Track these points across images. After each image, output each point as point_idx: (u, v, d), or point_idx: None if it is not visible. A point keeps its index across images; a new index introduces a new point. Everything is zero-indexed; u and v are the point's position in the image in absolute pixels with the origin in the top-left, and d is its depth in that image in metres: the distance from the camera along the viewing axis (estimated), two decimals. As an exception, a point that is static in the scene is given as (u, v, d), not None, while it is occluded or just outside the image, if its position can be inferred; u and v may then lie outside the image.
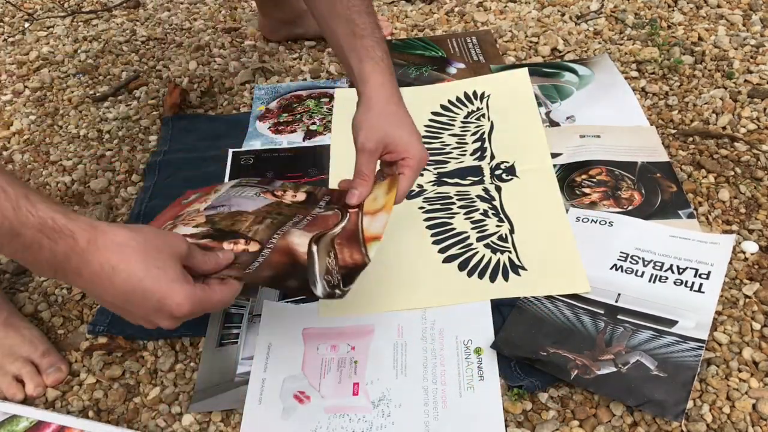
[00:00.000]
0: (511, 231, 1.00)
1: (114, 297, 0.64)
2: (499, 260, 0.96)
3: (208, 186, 0.92)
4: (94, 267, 0.62)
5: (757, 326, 0.87)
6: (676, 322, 0.86)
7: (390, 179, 0.83)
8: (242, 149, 1.19)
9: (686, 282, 0.90)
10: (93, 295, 0.66)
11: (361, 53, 0.83)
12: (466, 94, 1.26)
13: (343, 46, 0.84)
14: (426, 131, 1.19)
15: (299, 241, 0.76)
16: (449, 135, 1.18)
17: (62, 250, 0.61)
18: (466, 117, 1.21)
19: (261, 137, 1.21)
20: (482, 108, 1.22)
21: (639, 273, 0.92)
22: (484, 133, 1.17)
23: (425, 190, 1.08)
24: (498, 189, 1.07)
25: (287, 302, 0.93)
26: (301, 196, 0.85)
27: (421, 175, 1.09)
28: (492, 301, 0.91)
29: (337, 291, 0.72)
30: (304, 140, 1.20)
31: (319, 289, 0.71)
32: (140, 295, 0.63)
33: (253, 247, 0.75)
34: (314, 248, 0.75)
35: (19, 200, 0.60)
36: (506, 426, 0.79)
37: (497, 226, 1.01)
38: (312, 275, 0.72)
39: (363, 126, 0.81)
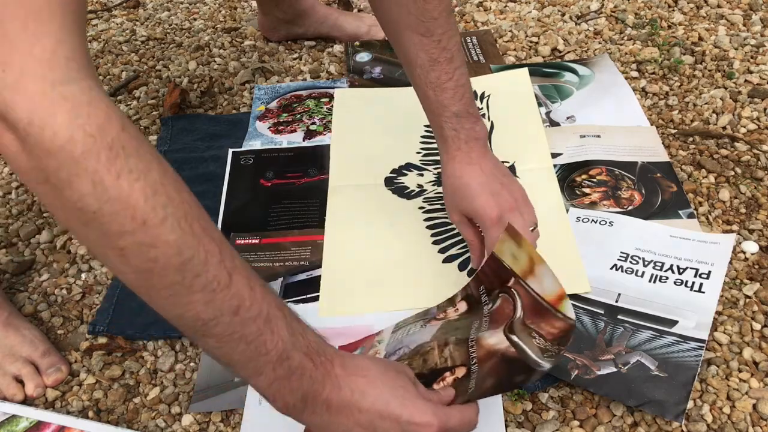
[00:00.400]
0: (512, 231, 1.00)
1: (360, 427, 0.60)
2: (499, 260, 0.95)
3: (363, 338, 0.89)
4: (345, 394, 0.60)
5: (757, 326, 0.87)
6: (677, 322, 0.86)
7: (505, 231, 0.81)
8: (242, 149, 1.18)
9: (686, 282, 0.90)
10: None
11: (435, 130, 0.89)
12: (466, 94, 1.26)
13: (426, 116, 0.89)
14: (426, 131, 1.19)
15: (495, 340, 0.75)
16: (449, 135, 1.18)
17: (320, 376, 0.59)
18: (466, 117, 1.21)
19: (261, 137, 1.21)
20: (482, 108, 1.22)
21: (639, 273, 0.92)
22: (484, 133, 1.17)
23: (425, 190, 1.08)
24: (498, 189, 1.07)
25: (287, 302, 0.93)
26: (462, 306, 0.85)
27: (421, 175, 1.10)
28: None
29: (561, 354, 0.73)
30: (304, 140, 1.20)
31: (546, 365, 0.71)
32: (388, 421, 0.60)
33: (460, 372, 0.74)
34: (514, 337, 0.74)
35: (292, 323, 0.59)
36: (506, 426, 0.79)
37: (497, 226, 1.01)
38: (532, 361, 0.72)
39: (446, 205, 0.91)
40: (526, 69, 1.28)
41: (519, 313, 0.77)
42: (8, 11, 0.45)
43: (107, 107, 0.49)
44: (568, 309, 0.75)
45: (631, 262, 0.94)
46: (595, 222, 1.00)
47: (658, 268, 0.93)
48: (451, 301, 0.86)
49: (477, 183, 0.85)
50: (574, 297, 0.90)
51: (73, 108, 0.47)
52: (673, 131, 1.15)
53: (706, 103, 1.20)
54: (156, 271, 0.51)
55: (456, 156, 0.86)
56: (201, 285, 0.52)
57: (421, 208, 1.05)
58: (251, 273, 0.56)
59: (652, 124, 1.16)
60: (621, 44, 1.36)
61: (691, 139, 1.14)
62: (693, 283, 0.90)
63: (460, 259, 0.97)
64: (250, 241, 1.01)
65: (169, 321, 0.55)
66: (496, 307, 0.80)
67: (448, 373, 0.74)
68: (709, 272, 0.91)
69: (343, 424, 0.60)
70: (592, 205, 1.03)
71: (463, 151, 0.86)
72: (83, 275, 1.01)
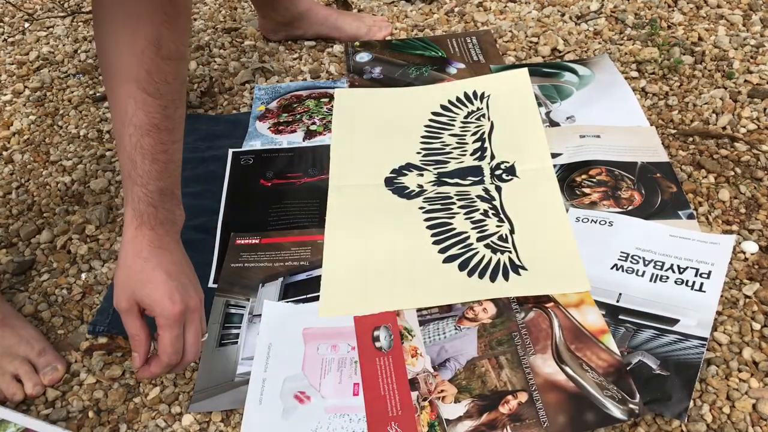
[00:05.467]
0: (512, 231, 1.00)
1: None
2: (499, 260, 0.96)
3: (379, 314, 0.90)
4: None
5: (757, 326, 0.87)
6: (678, 320, 0.86)
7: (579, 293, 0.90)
8: (242, 149, 1.18)
9: (687, 281, 0.90)
10: None
11: (128, 199, 0.77)
12: (466, 94, 1.26)
13: (122, 182, 0.79)
14: (426, 131, 1.19)
15: (550, 370, 0.81)
16: (449, 135, 1.18)
17: None
18: (466, 117, 1.21)
19: (261, 137, 1.21)
20: (482, 108, 1.22)
21: (640, 273, 0.92)
22: (484, 133, 1.17)
23: (425, 190, 1.08)
24: (498, 189, 1.07)
25: (287, 302, 0.93)
26: (490, 307, 0.90)
27: (421, 175, 1.10)
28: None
29: (632, 406, 0.77)
30: (304, 140, 1.20)
31: (615, 412, 0.77)
32: None
33: (522, 396, 0.79)
34: (569, 370, 0.81)
35: None
36: (507, 426, 0.79)
37: (497, 226, 1.01)
38: (595, 399, 0.78)
39: (115, 284, 0.78)
40: (526, 69, 1.28)
41: (558, 333, 0.84)
42: None
43: None
44: (611, 344, 0.82)
45: (631, 261, 0.94)
46: (595, 222, 1.00)
47: (659, 267, 0.93)
48: (476, 301, 0.90)
49: (165, 270, 0.76)
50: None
51: None
52: (673, 131, 1.16)
53: (705, 103, 1.20)
54: None
55: (147, 235, 0.76)
56: None
57: (421, 208, 1.05)
58: None
59: (652, 124, 1.16)
60: (621, 44, 1.36)
61: (690, 139, 1.14)
62: (694, 282, 0.90)
63: (461, 259, 0.97)
64: (250, 241, 1.01)
65: None
66: (530, 318, 0.87)
67: (510, 397, 0.79)
68: (710, 272, 0.91)
69: None
70: (592, 205, 1.03)
71: (156, 233, 0.77)
72: (83, 275, 1.01)
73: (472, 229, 1.01)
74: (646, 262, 0.93)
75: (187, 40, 0.76)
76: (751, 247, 0.96)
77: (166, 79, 0.74)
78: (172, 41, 0.73)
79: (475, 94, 1.26)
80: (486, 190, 1.07)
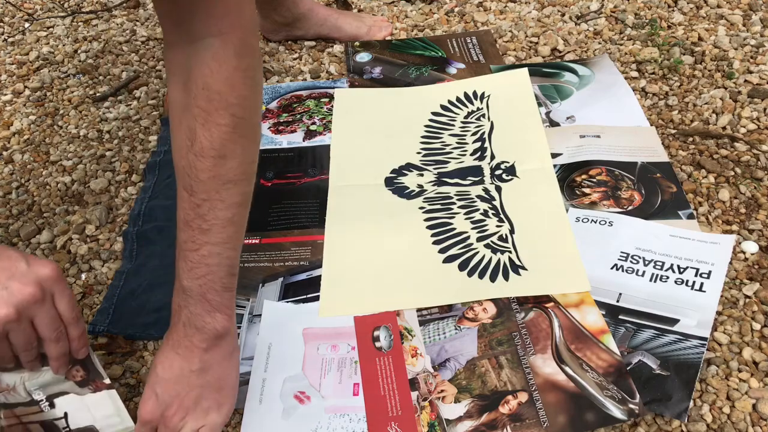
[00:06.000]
0: (512, 231, 1.00)
1: None
2: (499, 260, 0.96)
3: (380, 314, 0.90)
4: None
5: (757, 326, 0.87)
6: (678, 320, 0.86)
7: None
8: (242, 149, 1.18)
9: (687, 281, 0.90)
10: None
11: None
12: (466, 94, 1.26)
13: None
14: (426, 131, 1.19)
15: (550, 370, 0.81)
16: (449, 135, 1.18)
17: None
18: (466, 117, 1.21)
19: (261, 137, 1.21)
20: (482, 108, 1.22)
21: (640, 273, 0.92)
22: (484, 133, 1.17)
23: (426, 190, 1.08)
24: (498, 189, 1.07)
25: (287, 302, 0.93)
26: (490, 307, 0.90)
27: (421, 175, 1.10)
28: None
29: (632, 406, 0.77)
30: (304, 140, 1.20)
31: (615, 412, 0.77)
32: None
33: (523, 396, 0.79)
34: (569, 370, 0.81)
35: None
36: (507, 426, 0.79)
37: (497, 226, 1.01)
38: (595, 399, 0.78)
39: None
40: (526, 69, 1.28)
41: (558, 333, 0.84)
42: None
43: None
44: (611, 344, 0.82)
45: (631, 261, 0.94)
46: (595, 222, 1.00)
47: (659, 267, 0.93)
48: (476, 301, 0.90)
49: (159, 375, 0.74)
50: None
51: None
52: (673, 131, 1.16)
53: (706, 103, 1.20)
54: None
55: (169, 336, 0.75)
56: None
57: (421, 208, 1.05)
58: None
59: (651, 124, 1.16)
60: (621, 44, 1.36)
61: (690, 139, 1.14)
62: (694, 282, 0.90)
63: (461, 259, 0.97)
64: (250, 241, 1.01)
65: None
66: (530, 318, 0.87)
67: (510, 397, 0.79)
68: (710, 272, 0.91)
69: None
70: (592, 205, 1.03)
71: (179, 334, 0.74)
72: (83, 275, 1.01)
73: (472, 229, 1.01)
74: (646, 262, 0.93)
75: (234, 140, 0.70)
76: (751, 247, 0.96)
77: (198, 176, 0.70)
78: (205, 138, 0.69)
79: (475, 94, 1.26)
80: (486, 190, 1.07)
